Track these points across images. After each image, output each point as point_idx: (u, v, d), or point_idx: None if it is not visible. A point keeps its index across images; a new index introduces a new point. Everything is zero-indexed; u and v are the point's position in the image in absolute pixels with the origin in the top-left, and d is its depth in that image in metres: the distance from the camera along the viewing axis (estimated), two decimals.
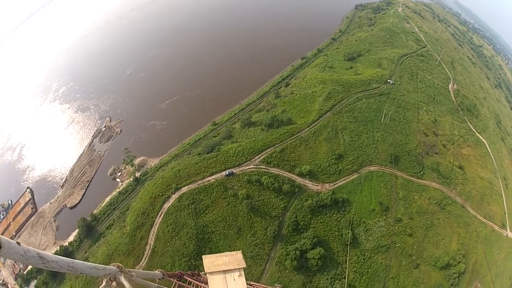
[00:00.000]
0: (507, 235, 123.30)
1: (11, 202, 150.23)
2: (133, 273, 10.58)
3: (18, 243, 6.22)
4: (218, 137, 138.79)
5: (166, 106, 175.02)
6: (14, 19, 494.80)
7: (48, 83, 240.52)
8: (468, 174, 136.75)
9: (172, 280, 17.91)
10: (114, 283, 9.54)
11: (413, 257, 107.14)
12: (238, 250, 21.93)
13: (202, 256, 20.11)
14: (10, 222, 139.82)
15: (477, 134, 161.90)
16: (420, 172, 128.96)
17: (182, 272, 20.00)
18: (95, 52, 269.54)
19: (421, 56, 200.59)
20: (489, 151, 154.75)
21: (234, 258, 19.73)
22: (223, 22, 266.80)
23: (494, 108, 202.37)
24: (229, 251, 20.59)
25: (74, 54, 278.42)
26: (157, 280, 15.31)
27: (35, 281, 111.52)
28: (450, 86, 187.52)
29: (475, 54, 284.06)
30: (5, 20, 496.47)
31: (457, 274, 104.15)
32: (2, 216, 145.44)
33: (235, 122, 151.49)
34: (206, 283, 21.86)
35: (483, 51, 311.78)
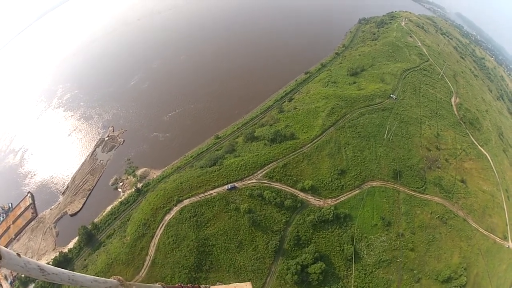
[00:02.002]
0: (508, 246, 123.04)
1: (12, 205, 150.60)
2: (133, 287, 10.60)
3: (19, 255, 6.26)
4: (221, 151, 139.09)
5: (169, 118, 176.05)
6: (20, 22, 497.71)
7: (53, 88, 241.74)
8: (470, 188, 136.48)
9: None
10: None
11: (415, 272, 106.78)
12: (248, 281, 21.49)
13: (211, 287, 19.92)
14: (9, 225, 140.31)
15: (479, 147, 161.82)
16: (423, 187, 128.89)
17: (182, 285, 19.78)
18: (100, 59, 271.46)
19: (424, 70, 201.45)
20: (491, 164, 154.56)
21: None
22: (228, 36, 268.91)
23: (496, 120, 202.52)
24: (238, 282, 20.34)
25: (79, 60, 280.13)
26: None
27: (33, 284, 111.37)
28: (452, 99, 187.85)
29: (477, 67, 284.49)
30: (12, 23, 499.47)
31: (459, 287, 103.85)
32: (2, 219, 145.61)
33: (238, 136, 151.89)
34: None
35: (485, 63, 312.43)
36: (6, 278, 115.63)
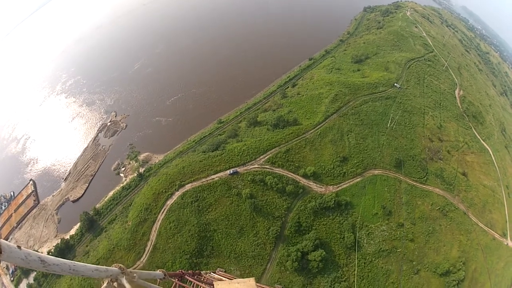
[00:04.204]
0: (507, 244, 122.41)
1: (13, 193, 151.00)
2: (134, 274, 10.49)
3: (19, 247, 6.08)
4: (224, 136, 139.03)
5: (172, 103, 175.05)
6: (24, 9, 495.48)
7: (57, 74, 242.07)
8: (471, 181, 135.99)
9: (173, 280, 17.74)
10: (115, 284, 9.47)
11: (414, 263, 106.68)
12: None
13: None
14: (11, 214, 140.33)
15: (482, 141, 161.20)
16: (424, 177, 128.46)
17: (183, 271, 19.74)
18: (104, 45, 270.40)
19: (429, 61, 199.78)
20: (493, 158, 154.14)
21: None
22: (232, 21, 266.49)
23: (499, 115, 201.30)
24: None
25: (83, 46, 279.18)
26: (158, 280, 15.20)
27: (34, 273, 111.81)
28: (456, 92, 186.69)
29: (481, 61, 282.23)
30: (15, 10, 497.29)
31: (457, 281, 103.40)
32: (3, 208, 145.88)
33: (241, 121, 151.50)
34: (207, 283, 21.68)
35: (489, 58, 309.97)
36: (7, 268, 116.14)
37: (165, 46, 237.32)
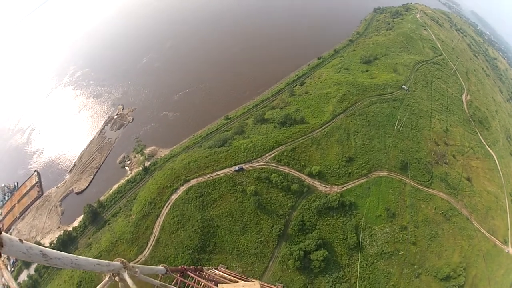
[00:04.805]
0: (508, 251, 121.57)
1: (17, 184, 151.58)
2: (137, 269, 10.46)
3: (21, 240, 6.00)
4: (230, 132, 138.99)
5: (180, 98, 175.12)
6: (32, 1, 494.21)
7: (65, 65, 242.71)
8: (475, 187, 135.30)
9: (175, 275, 17.76)
10: (117, 278, 9.45)
11: (415, 266, 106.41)
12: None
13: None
14: (14, 204, 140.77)
15: (487, 147, 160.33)
16: (429, 181, 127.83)
17: (185, 267, 19.73)
18: (114, 38, 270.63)
19: (437, 64, 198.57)
20: (498, 165, 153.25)
21: None
22: (242, 19, 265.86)
23: (505, 122, 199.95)
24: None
25: (92, 40, 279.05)
26: (160, 276, 15.19)
27: (35, 264, 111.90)
28: (463, 96, 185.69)
29: (489, 66, 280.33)
30: (23, 2, 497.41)
31: (457, 286, 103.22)
32: (7, 198, 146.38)
33: (248, 117, 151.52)
34: (209, 279, 21.63)
35: (497, 64, 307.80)
36: (8, 258, 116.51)
37: (175, 42, 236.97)
